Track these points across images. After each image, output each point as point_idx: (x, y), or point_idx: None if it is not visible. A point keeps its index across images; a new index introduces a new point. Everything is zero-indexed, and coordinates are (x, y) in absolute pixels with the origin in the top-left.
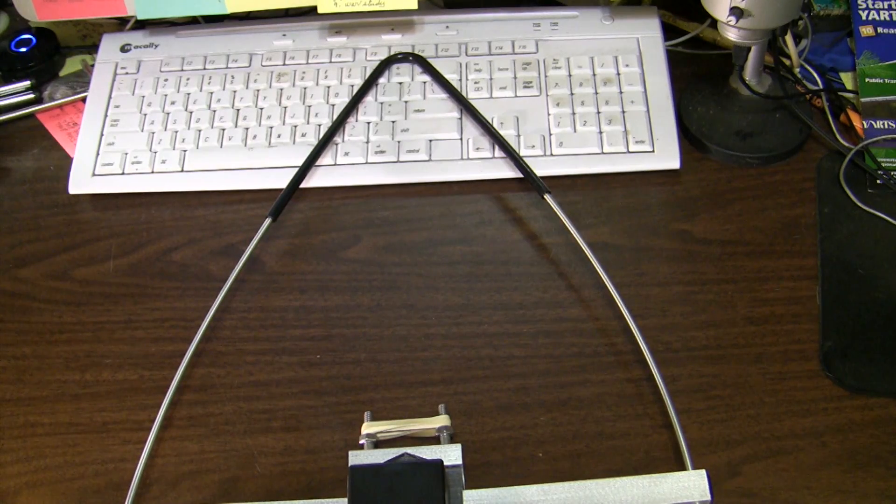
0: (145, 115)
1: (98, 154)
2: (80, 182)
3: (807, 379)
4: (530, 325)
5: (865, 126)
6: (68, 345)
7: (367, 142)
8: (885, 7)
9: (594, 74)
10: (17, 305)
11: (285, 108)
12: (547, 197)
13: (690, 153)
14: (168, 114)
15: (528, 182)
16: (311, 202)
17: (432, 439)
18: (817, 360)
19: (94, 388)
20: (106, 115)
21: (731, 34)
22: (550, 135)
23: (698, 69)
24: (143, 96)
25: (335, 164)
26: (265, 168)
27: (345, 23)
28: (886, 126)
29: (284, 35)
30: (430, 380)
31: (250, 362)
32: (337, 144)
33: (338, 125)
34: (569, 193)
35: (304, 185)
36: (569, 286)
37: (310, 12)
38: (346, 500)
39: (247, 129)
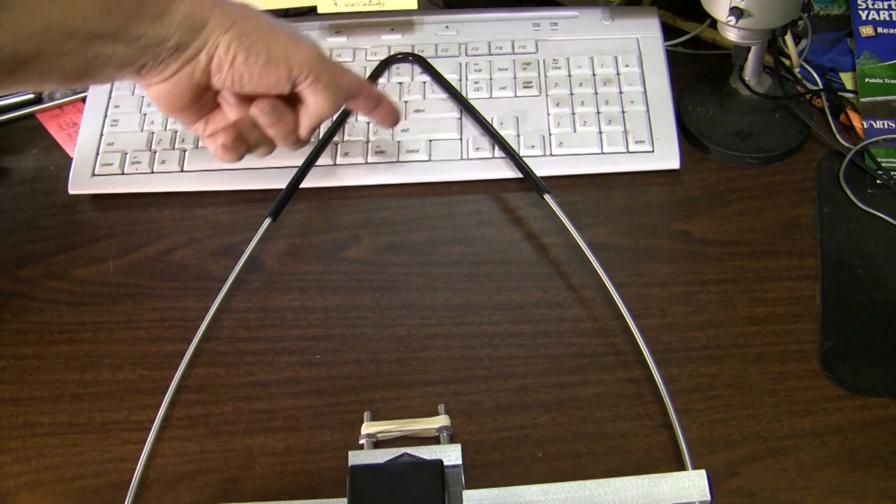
0: (145, 115)
1: (98, 154)
2: (80, 182)
3: (807, 379)
4: (530, 325)
5: (865, 126)
6: (68, 345)
7: (367, 142)
8: (885, 7)
9: (594, 74)
10: (17, 305)
11: None
12: (547, 197)
13: (690, 153)
14: None
15: (528, 182)
16: (311, 202)
17: (432, 439)
18: (817, 360)
19: (94, 388)
20: (106, 115)
21: (731, 34)
22: (550, 135)
23: (698, 69)
24: (143, 96)
25: (335, 164)
26: (265, 168)
27: (345, 23)
28: (886, 126)
29: None
30: (430, 380)
31: (250, 362)
32: (337, 144)
33: (338, 125)
34: (569, 193)
35: (304, 185)
36: (569, 286)
37: (310, 12)
38: (346, 500)
39: None
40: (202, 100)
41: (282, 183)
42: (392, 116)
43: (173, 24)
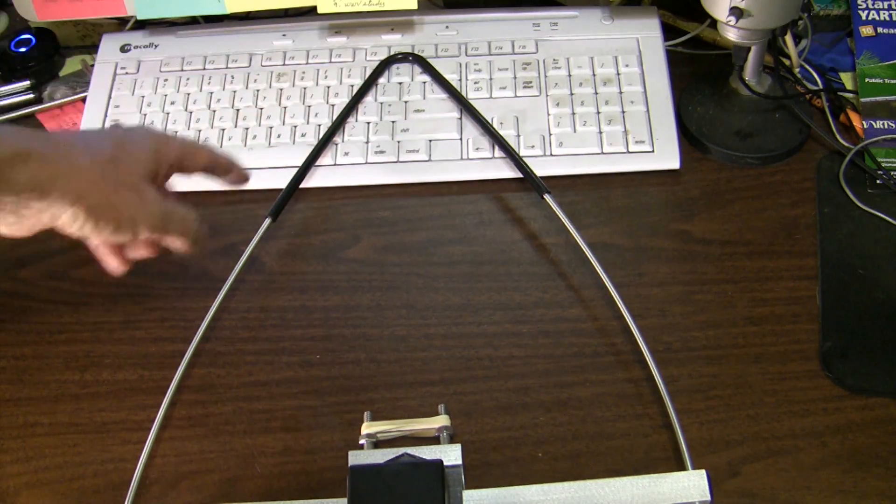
0: (145, 115)
1: None
2: None
3: (806, 379)
4: (530, 325)
5: (865, 126)
6: (68, 345)
7: (367, 142)
8: (885, 7)
9: (594, 74)
10: (17, 305)
11: (285, 108)
12: (547, 197)
13: (690, 153)
14: (168, 114)
15: (528, 182)
16: (311, 202)
17: (432, 439)
18: (817, 360)
19: (94, 388)
20: (106, 116)
21: (731, 34)
22: (550, 135)
23: (698, 69)
24: (143, 96)
25: (335, 164)
26: (265, 168)
27: (345, 23)
28: (886, 126)
29: (284, 35)
30: (430, 380)
31: (250, 362)
32: (337, 144)
33: (337, 125)
34: (569, 193)
35: (303, 185)
36: (569, 286)
37: (310, 12)
38: (345, 500)
39: (246, 129)
40: None
41: (282, 183)
42: (241, 177)
43: (12, 190)
